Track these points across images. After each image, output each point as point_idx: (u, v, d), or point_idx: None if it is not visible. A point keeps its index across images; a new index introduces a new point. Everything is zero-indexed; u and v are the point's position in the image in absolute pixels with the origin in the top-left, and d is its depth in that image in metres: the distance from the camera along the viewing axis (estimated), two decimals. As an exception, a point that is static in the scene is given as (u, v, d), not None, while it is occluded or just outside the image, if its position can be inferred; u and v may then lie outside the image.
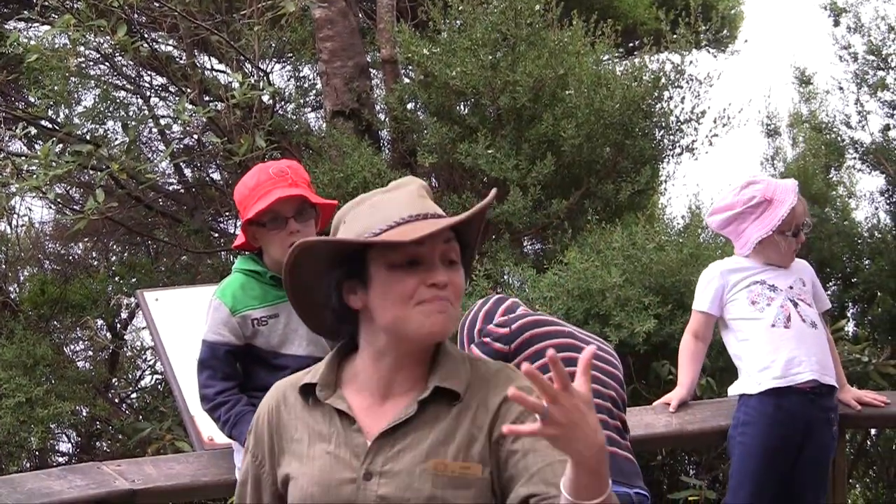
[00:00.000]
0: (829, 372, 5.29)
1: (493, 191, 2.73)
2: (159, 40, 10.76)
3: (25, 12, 9.04)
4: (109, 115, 9.87)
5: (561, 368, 2.30)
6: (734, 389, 5.45)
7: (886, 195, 10.05)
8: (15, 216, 11.25)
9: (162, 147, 11.10)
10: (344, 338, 2.87)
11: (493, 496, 2.67)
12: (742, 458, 5.32)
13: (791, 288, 5.36)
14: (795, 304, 5.33)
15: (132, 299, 10.40)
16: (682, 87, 9.17)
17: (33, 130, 9.55)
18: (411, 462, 2.66)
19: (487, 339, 4.26)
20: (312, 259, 2.75)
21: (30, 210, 11.48)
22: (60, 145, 8.52)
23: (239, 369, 4.48)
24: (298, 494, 2.74)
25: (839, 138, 10.08)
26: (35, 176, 7.72)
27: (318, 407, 2.78)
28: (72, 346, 11.12)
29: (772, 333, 5.31)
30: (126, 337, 11.12)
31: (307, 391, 2.80)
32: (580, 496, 2.44)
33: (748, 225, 5.38)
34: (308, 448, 2.76)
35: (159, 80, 11.22)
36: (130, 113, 10.30)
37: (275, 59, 10.91)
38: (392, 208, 2.74)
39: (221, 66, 11.13)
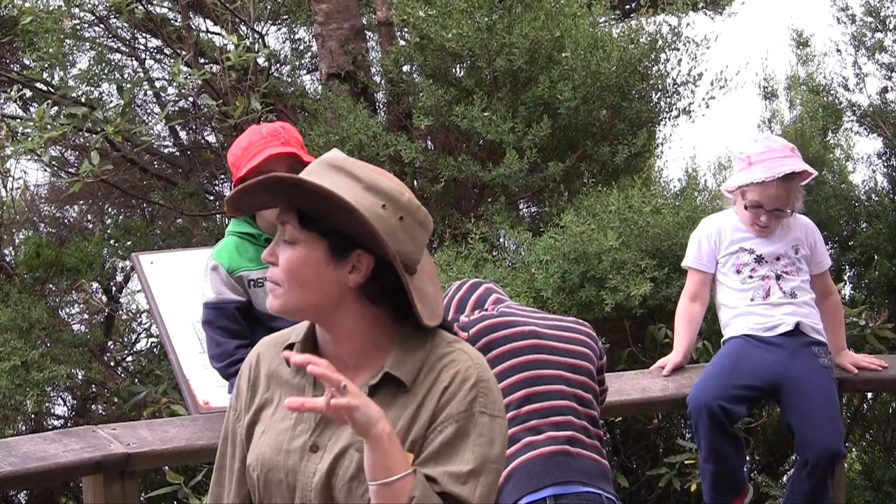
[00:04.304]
0: (802, 318, 5.36)
1: (266, 176, 2.67)
2: (154, 2, 10.70)
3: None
4: (104, 77, 9.83)
5: (322, 378, 2.47)
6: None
7: (884, 158, 10.03)
8: (10, 179, 11.22)
9: (157, 109, 11.06)
10: None
11: None
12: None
13: (778, 259, 5.39)
14: (778, 277, 5.36)
15: (127, 262, 10.39)
16: (678, 50, 9.14)
17: (28, 93, 9.52)
18: (350, 440, 2.66)
19: None
20: None
21: (25, 173, 11.46)
22: (55, 108, 8.47)
23: (246, 328, 4.48)
24: (254, 453, 2.77)
25: (837, 101, 10.04)
26: (30, 138, 7.69)
27: (299, 369, 2.79)
28: (67, 310, 11.09)
29: (749, 306, 5.40)
30: (121, 300, 11.10)
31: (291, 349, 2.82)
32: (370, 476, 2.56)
33: (733, 173, 5.42)
34: (274, 411, 2.79)
35: (154, 42, 11.16)
36: (125, 75, 10.26)
37: (270, 21, 10.85)
38: None
39: (217, 29, 11.07)
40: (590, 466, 4.09)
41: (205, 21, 11.34)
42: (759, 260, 5.37)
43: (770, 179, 5.19)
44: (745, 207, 5.34)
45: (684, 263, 5.62)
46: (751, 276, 5.37)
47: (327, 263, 2.70)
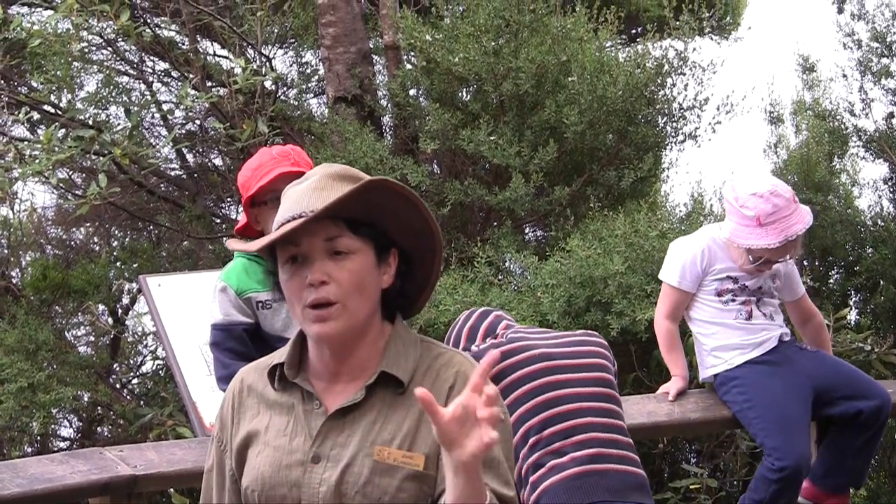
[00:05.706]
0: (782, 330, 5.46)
1: (363, 182, 2.64)
2: (162, 25, 10.74)
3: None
4: (112, 100, 9.87)
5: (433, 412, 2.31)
6: (707, 373, 5.51)
7: (890, 183, 10.06)
8: (17, 201, 11.25)
9: (164, 132, 11.09)
10: None
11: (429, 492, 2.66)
12: (755, 404, 5.32)
13: (760, 288, 5.44)
14: (758, 301, 5.39)
15: (134, 284, 10.42)
16: (685, 74, 9.16)
17: (36, 115, 9.53)
18: (357, 447, 2.65)
19: None
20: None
21: (32, 195, 11.49)
22: (63, 130, 8.50)
23: (253, 350, 4.48)
24: (251, 474, 2.74)
25: (842, 126, 10.07)
26: (38, 161, 7.71)
27: (285, 388, 2.77)
28: (73, 332, 11.12)
29: (734, 326, 5.42)
30: (127, 322, 11.13)
31: (275, 373, 2.78)
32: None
33: (733, 222, 5.33)
34: (266, 431, 2.75)
35: (162, 65, 11.21)
36: (133, 98, 10.30)
37: (277, 45, 10.89)
38: (288, 205, 2.68)
39: (224, 52, 11.11)
40: (619, 481, 4.09)
41: (212, 44, 11.38)
42: (743, 289, 5.39)
43: (784, 243, 5.18)
44: (752, 262, 5.30)
45: (665, 279, 5.50)
46: (733, 300, 5.39)
47: (376, 267, 2.70)
